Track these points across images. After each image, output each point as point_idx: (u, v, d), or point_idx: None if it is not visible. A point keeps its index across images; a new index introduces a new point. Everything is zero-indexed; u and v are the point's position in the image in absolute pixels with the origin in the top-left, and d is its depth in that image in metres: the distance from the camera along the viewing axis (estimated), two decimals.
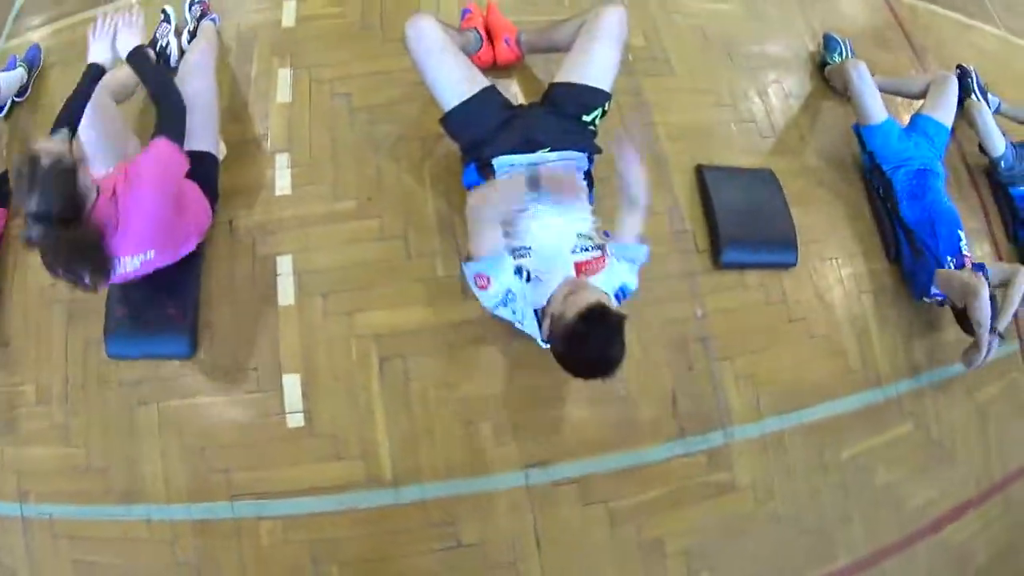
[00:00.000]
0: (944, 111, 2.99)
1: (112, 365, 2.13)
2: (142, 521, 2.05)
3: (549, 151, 2.06)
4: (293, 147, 2.33)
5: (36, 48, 2.60)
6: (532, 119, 2.12)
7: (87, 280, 1.62)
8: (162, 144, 1.78)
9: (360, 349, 2.14)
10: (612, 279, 1.94)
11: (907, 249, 2.78)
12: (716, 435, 2.31)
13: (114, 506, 2.06)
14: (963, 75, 3.65)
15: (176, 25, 2.33)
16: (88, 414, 2.11)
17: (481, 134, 2.07)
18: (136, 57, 1.94)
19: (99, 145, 1.94)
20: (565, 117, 2.12)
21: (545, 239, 1.93)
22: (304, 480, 2.06)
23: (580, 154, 2.12)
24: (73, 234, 1.58)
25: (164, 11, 2.38)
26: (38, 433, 2.12)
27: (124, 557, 2.04)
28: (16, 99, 2.51)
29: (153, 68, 2.00)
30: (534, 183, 1.93)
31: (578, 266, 1.91)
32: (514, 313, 1.92)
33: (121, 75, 2.11)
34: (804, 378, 2.49)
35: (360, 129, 2.37)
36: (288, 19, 2.51)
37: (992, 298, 2.49)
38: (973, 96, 3.39)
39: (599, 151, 2.16)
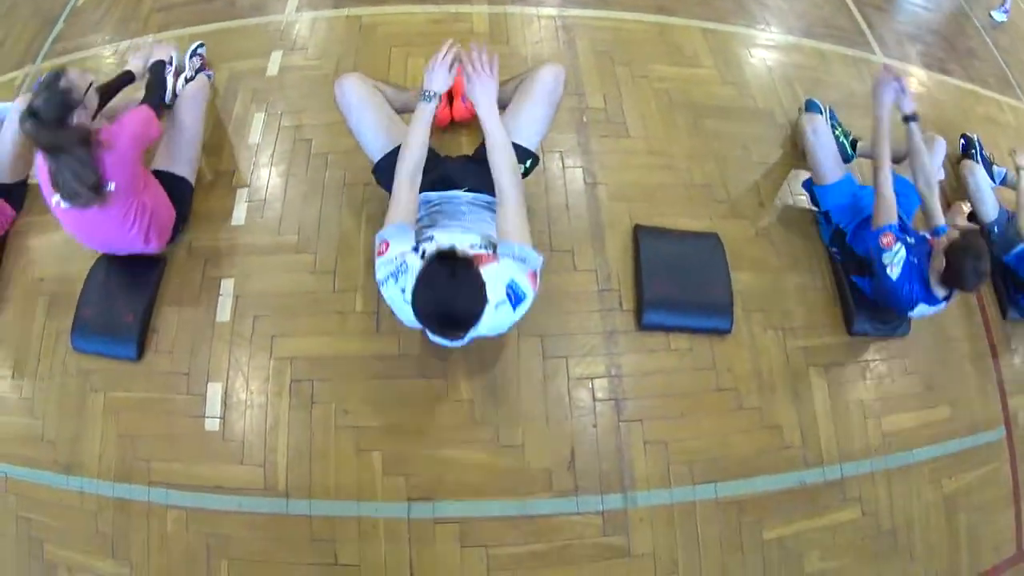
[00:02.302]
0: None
1: (75, 355, 2.45)
2: (76, 491, 2.32)
3: (466, 191, 2.19)
4: (253, 183, 2.63)
5: None
6: (452, 165, 2.28)
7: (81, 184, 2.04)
8: (144, 109, 2.24)
9: (276, 369, 2.36)
10: (502, 274, 1.88)
11: (867, 285, 2.67)
12: (614, 498, 2.29)
13: (56, 474, 2.35)
14: (967, 145, 3.54)
15: (176, 67, 2.69)
16: (49, 392, 2.43)
17: None
18: (156, 66, 2.48)
19: None
20: (484, 166, 2.19)
21: (447, 236, 2.00)
22: (211, 478, 2.28)
23: (494, 199, 2.18)
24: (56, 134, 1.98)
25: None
26: (8, 402, 2.46)
27: (58, 520, 2.31)
28: None
29: (162, 76, 2.50)
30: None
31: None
32: (403, 292, 1.83)
33: None
34: (726, 450, 2.42)
35: (313, 172, 2.64)
36: (273, 68, 2.84)
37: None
38: (968, 160, 3.28)
39: None
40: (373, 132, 2.26)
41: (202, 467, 2.31)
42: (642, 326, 2.48)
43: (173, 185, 2.44)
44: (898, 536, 2.57)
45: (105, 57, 3.08)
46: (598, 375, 2.42)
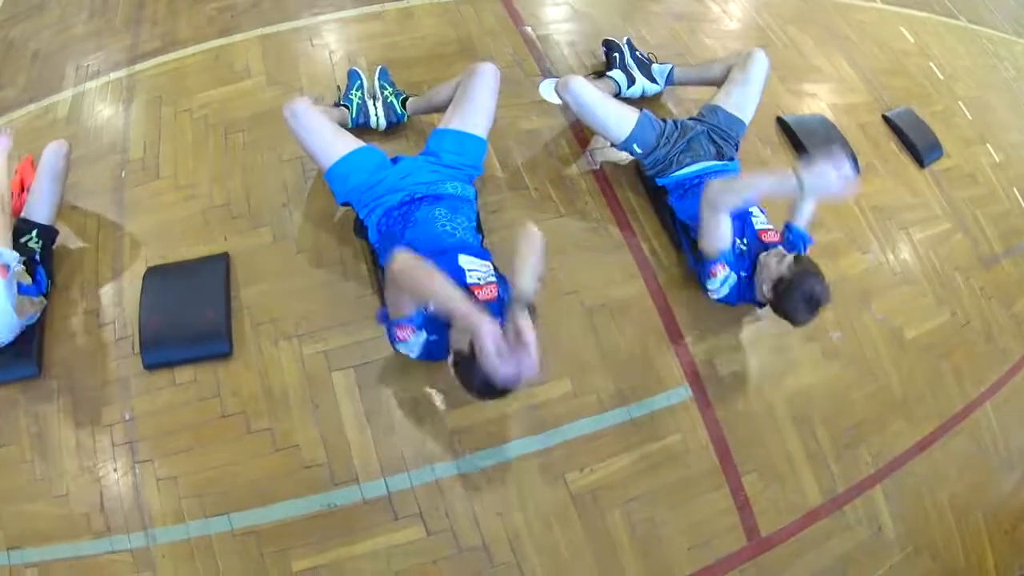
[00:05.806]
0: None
1: None
2: None
3: None
4: None
5: None
6: None
7: None
8: None
9: None
10: None
11: None
12: (138, 536, 2.36)
13: None
14: (610, 50, 2.95)
15: None
16: None
17: None
18: None
19: None
20: None
21: None
22: None
23: None
24: None
25: None
26: None
27: None
28: None
29: None
30: None
31: None
32: None
33: None
34: (238, 478, 2.34)
35: None
36: None
37: None
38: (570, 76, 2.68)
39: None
40: None
41: None
42: (146, 366, 2.54)
43: None
44: (494, 552, 2.29)
45: None
46: (115, 421, 2.46)
